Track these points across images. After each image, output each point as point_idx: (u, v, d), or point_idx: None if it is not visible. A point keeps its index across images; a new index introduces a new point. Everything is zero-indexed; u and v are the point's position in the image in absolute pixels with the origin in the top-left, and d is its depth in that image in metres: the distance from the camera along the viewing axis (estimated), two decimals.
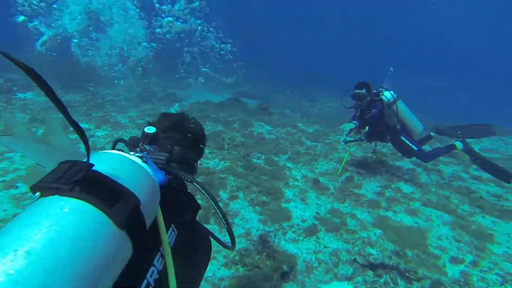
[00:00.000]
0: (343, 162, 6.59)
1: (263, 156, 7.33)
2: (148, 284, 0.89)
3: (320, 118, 13.70)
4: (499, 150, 10.54)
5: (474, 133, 6.70)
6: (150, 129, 1.25)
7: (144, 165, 0.96)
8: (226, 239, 1.63)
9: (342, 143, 6.13)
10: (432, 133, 7.03)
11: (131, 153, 1.05)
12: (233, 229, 1.49)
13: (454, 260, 4.01)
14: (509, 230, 4.84)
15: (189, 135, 1.45)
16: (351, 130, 6.08)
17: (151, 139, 1.25)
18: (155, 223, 0.96)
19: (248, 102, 15.61)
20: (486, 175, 7.08)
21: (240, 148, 7.79)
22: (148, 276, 0.90)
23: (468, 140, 6.88)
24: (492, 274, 3.83)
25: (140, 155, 1.05)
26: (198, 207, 1.35)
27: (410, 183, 6.33)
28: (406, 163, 7.67)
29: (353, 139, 6.47)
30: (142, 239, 0.82)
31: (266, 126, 10.43)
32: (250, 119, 10.81)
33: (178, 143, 1.39)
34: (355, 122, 6.13)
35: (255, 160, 7.15)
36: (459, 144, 6.57)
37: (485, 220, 5.06)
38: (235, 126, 9.93)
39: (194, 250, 1.24)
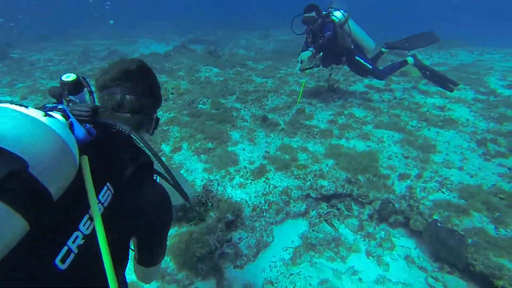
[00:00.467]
0: (301, 90, 6.27)
1: (209, 100, 6.72)
2: (70, 251, 0.82)
3: (273, 54, 12.89)
4: (447, 63, 10.73)
5: (420, 42, 6.71)
6: (69, 77, 1.18)
7: (45, 119, 0.81)
8: None
9: (298, 71, 5.75)
10: (383, 49, 6.94)
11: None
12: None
13: (401, 177, 3.99)
14: (449, 138, 4.93)
15: (143, 82, 1.29)
16: (308, 58, 5.67)
17: (72, 88, 1.17)
18: (78, 183, 0.86)
19: (197, 48, 14.31)
20: (432, 89, 7.13)
21: (186, 96, 7.08)
22: (69, 242, 0.82)
23: (420, 57, 6.99)
24: (432, 182, 3.88)
25: (52, 107, 0.98)
26: (147, 161, 1.19)
27: (363, 107, 6.17)
28: (359, 87, 7.47)
29: (308, 66, 6.12)
30: (42, 206, 0.72)
31: (214, 69, 9.59)
32: (197, 65, 9.85)
33: (130, 91, 1.25)
34: (311, 49, 5.64)
35: (201, 106, 6.55)
36: (410, 59, 6.68)
37: (430, 132, 5.10)
38: (181, 74, 9.00)
39: (139, 209, 1.11)
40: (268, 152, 4.66)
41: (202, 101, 6.74)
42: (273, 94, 7.08)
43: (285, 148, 4.69)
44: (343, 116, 5.70)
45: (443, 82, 6.39)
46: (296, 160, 4.36)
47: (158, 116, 1.48)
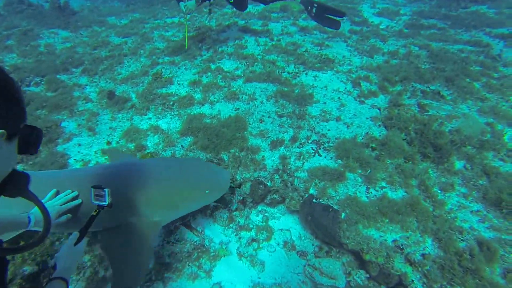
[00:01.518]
0: (186, 32, 5.43)
1: (44, 78, 4.86)
2: None
3: (144, 4, 10.50)
4: None
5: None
6: None
7: None
8: None
9: (183, 9, 4.82)
10: None
11: None
12: None
13: (274, 145, 3.33)
14: (326, 81, 4.43)
15: None
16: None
17: None
18: None
19: (43, 4, 10.72)
20: (311, 24, 6.54)
21: (12, 76, 4.97)
22: None
23: None
24: (308, 144, 3.34)
25: None
26: None
27: (235, 57, 5.19)
28: (233, 32, 6.40)
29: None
30: None
31: (61, 33, 7.21)
32: (36, 29, 7.23)
33: None
34: None
35: (32, 88, 4.69)
36: None
37: (307, 78, 4.51)
38: (10, 43, 6.44)
39: None
40: (110, 143, 3.45)
41: (33, 82, 4.85)
42: (130, 57, 5.53)
43: (131, 133, 3.52)
44: (209, 73, 4.67)
45: (329, 20, 5.72)
46: (143, 148, 3.28)
47: None
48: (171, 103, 3.98)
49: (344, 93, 4.19)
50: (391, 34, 6.49)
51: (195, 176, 2.36)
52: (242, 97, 4.08)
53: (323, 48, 5.54)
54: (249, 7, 8.42)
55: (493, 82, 4.38)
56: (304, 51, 5.39)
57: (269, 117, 3.72)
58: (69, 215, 1.91)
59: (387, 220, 2.51)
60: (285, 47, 5.52)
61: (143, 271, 2.00)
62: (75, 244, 1.68)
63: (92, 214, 1.78)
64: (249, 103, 3.96)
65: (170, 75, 4.65)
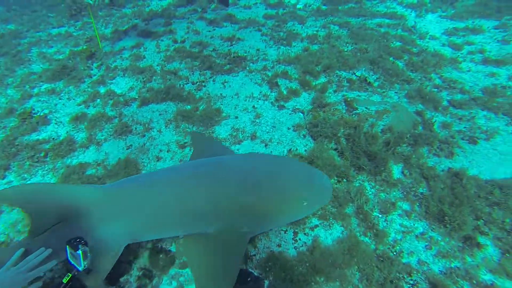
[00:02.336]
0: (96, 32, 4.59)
1: None
2: None
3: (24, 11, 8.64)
4: None
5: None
6: None
7: None
8: None
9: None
10: None
11: None
12: None
13: None
14: (238, 86, 3.69)
15: None
16: None
17: None
18: None
19: None
20: (222, 13, 5.74)
21: None
22: None
23: None
24: None
25: None
26: None
27: (130, 73, 4.23)
28: (130, 39, 5.33)
29: None
30: None
31: None
32: None
33: None
34: None
35: None
36: None
37: (215, 86, 3.76)
38: None
39: None
40: None
41: None
42: None
43: None
44: (98, 100, 3.69)
45: None
46: None
47: None
48: (42, 154, 2.96)
49: (260, 99, 3.53)
50: (309, 14, 5.95)
51: (293, 183, 1.94)
52: (135, 128, 3.21)
53: (233, 43, 4.79)
54: (153, 2, 7.34)
55: (414, 59, 4.04)
56: (212, 50, 4.60)
57: (168, 151, 2.92)
58: (40, 283, 1.60)
59: (322, 279, 1.93)
60: (190, 49, 4.67)
61: (228, 285, 1.66)
62: None
63: (62, 281, 1.49)
64: (144, 136, 3.10)
65: (45, 112, 3.56)
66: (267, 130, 3.11)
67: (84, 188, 1.95)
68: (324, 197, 1.99)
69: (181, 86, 3.80)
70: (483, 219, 2.21)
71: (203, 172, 1.96)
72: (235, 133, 3.09)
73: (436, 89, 3.58)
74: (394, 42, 4.52)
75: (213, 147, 2.72)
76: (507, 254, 2.04)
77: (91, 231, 1.73)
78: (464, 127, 3.05)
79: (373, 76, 3.76)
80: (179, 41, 5.00)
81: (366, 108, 3.06)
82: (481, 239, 2.12)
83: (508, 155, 2.73)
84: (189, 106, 3.44)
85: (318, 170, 2.15)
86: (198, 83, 3.84)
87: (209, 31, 5.35)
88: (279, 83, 3.71)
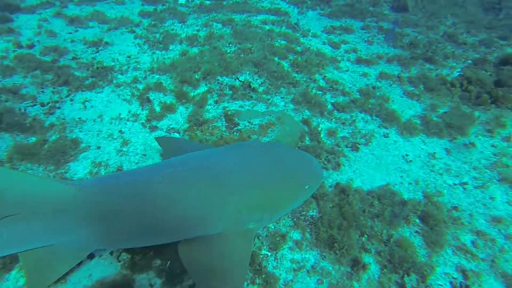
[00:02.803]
0: None
1: None
2: None
3: None
4: None
5: None
6: None
7: None
8: None
9: None
10: None
11: None
12: None
13: None
14: (102, 106, 2.99)
15: None
16: None
17: None
18: None
19: None
20: (86, 9, 4.71)
21: None
22: None
23: None
24: None
25: None
26: None
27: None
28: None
29: None
30: None
31: None
32: None
33: None
34: None
35: None
36: None
37: (73, 108, 2.97)
38: None
39: None
40: None
41: None
42: None
43: None
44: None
45: None
46: None
47: None
48: None
49: (128, 120, 2.90)
50: (191, 10, 5.40)
51: (292, 168, 1.92)
52: None
53: (100, 48, 3.95)
54: None
55: (299, 59, 3.93)
56: (72, 59, 3.69)
57: None
58: None
59: None
60: (40, 57, 3.65)
61: None
62: None
63: None
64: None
65: None
66: (135, 161, 2.53)
67: (55, 184, 1.66)
68: (319, 176, 2.04)
69: (23, 110, 2.87)
70: (366, 234, 2.13)
71: (192, 168, 1.75)
72: (96, 169, 2.42)
73: (320, 92, 3.51)
74: (279, 41, 4.36)
75: (186, 146, 2.39)
76: (384, 270, 1.99)
77: (56, 230, 1.57)
78: (348, 133, 3.01)
79: (258, 81, 3.49)
80: (24, 46, 3.88)
81: (248, 122, 2.74)
82: (365, 258, 2.03)
83: (381, 158, 2.77)
84: (34, 138, 2.59)
85: (304, 152, 2.20)
86: (49, 105, 2.96)
87: (70, 32, 4.34)
88: (150, 98, 3.12)
